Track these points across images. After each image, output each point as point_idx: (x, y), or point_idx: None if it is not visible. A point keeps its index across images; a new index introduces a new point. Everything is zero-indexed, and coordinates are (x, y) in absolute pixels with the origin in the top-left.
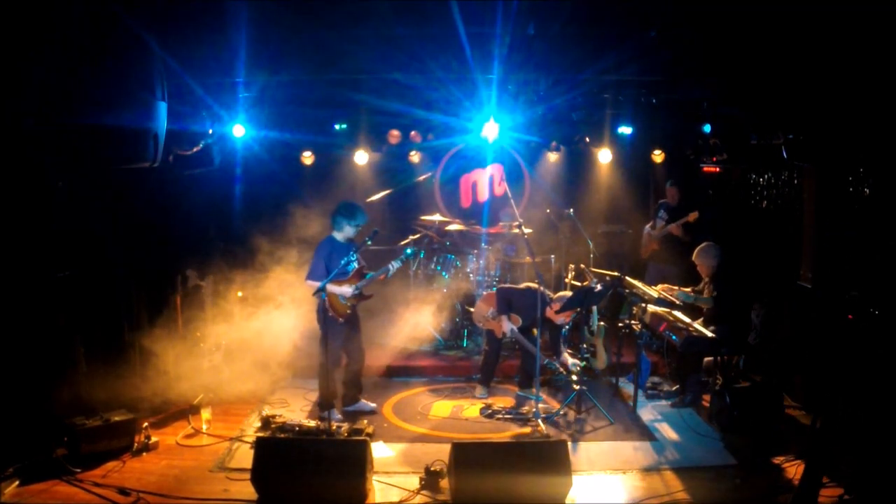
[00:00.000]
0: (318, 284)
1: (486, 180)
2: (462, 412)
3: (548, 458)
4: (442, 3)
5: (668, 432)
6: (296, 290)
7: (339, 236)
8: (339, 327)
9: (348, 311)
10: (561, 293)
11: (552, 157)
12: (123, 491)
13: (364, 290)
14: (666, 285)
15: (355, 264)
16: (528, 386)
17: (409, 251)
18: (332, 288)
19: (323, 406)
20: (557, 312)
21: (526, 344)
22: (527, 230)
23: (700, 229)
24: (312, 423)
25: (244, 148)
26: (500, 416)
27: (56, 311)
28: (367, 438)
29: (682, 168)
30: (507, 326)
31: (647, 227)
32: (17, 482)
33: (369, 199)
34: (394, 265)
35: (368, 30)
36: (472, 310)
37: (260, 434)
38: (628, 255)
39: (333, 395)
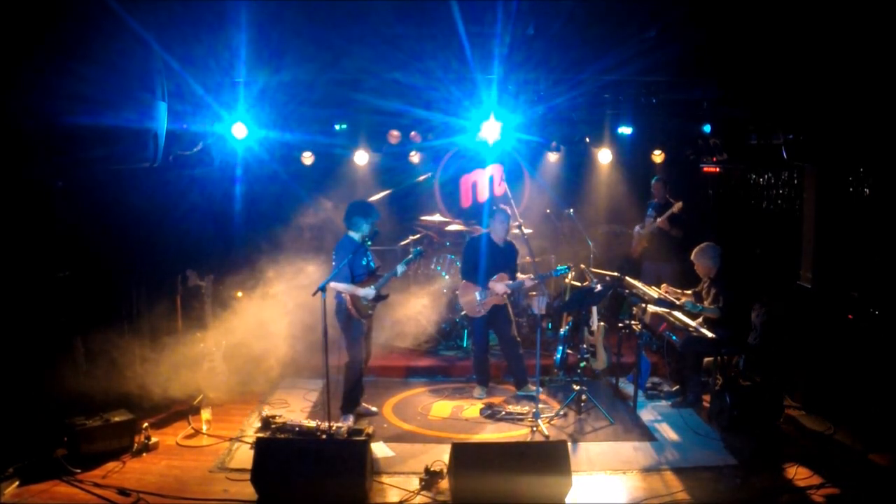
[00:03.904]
0: (343, 286)
1: (486, 180)
2: (462, 412)
3: (548, 458)
4: (442, 3)
5: (668, 432)
6: (295, 289)
7: (355, 236)
8: (361, 326)
9: (370, 312)
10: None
11: (552, 157)
12: (123, 491)
13: (381, 291)
14: (668, 287)
15: (373, 264)
16: (525, 383)
17: (417, 249)
18: (355, 290)
19: (347, 408)
20: (561, 311)
21: (539, 286)
22: (527, 230)
23: (690, 223)
24: (312, 424)
25: (244, 148)
26: (500, 416)
27: (56, 311)
28: (367, 438)
29: (683, 168)
30: (502, 288)
31: (637, 227)
32: (17, 482)
33: (369, 199)
34: (405, 263)
35: (368, 30)
36: (463, 312)
37: (260, 434)
38: (628, 255)
39: (361, 392)
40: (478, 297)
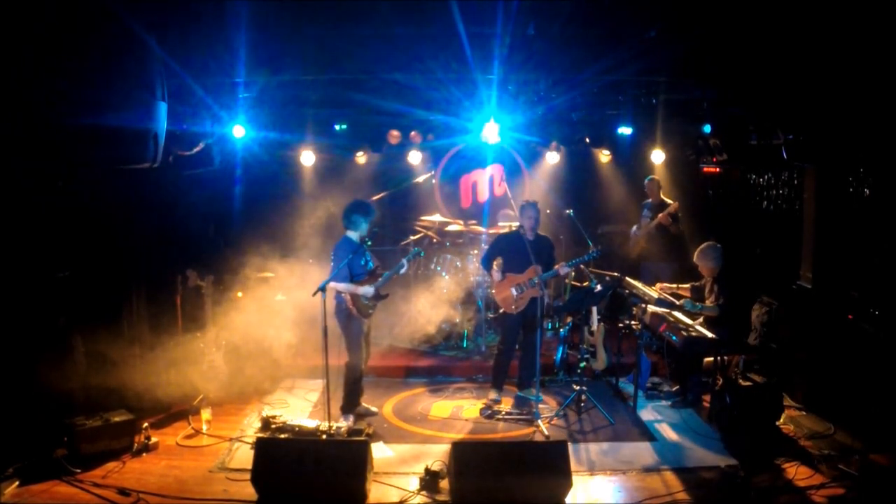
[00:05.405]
0: (343, 286)
1: (486, 180)
2: (462, 412)
3: (548, 458)
4: (442, 3)
5: (668, 432)
6: (295, 289)
7: (354, 236)
8: (361, 326)
9: (371, 311)
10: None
11: (552, 157)
12: (123, 491)
13: (380, 290)
14: (664, 284)
15: (372, 264)
16: (528, 386)
17: (416, 249)
18: (354, 289)
19: (347, 408)
20: (561, 311)
21: (539, 285)
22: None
23: (688, 221)
24: (312, 424)
25: (244, 148)
26: (500, 416)
27: (56, 311)
28: (367, 439)
29: (683, 168)
30: (536, 276)
31: (633, 228)
32: (17, 482)
33: (370, 199)
34: (405, 262)
35: (368, 30)
36: (501, 310)
37: (260, 434)
38: (628, 256)
39: (361, 392)
40: (514, 292)
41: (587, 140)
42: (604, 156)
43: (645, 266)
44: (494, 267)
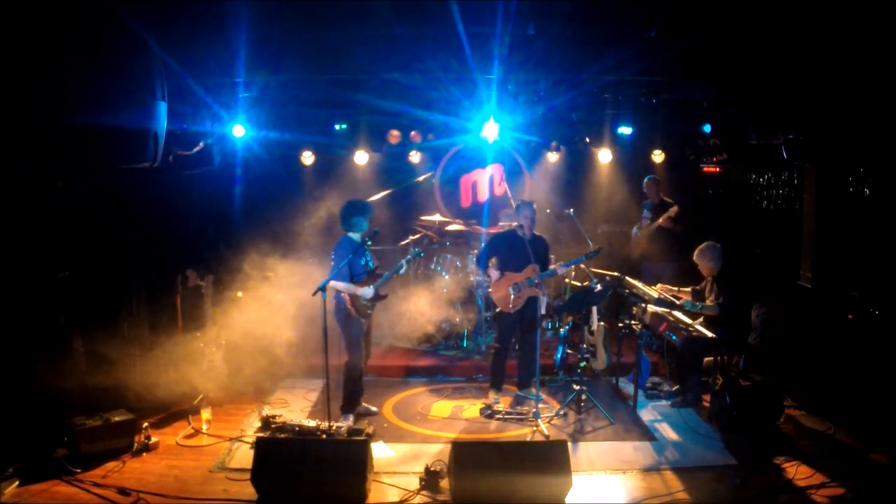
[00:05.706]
0: (343, 286)
1: (486, 180)
2: (462, 412)
3: (548, 458)
4: (442, 3)
5: (668, 432)
6: (295, 289)
7: (355, 236)
8: (360, 326)
9: (369, 312)
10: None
11: (552, 157)
12: (123, 491)
13: (379, 290)
14: (665, 285)
15: (372, 263)
16: (528, 385)
17: (416, 250)
18: (354, 290)
19: (347, 408)
20: (561, 311)
21: (539, 285)
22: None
23: (690, 222)
24: (312, 424)
25: (244, 148)
26: (500, 416)
27: (56, 311)
28: (367, 438)
29: (683, 168)
30: (535, 275)
31: (634, 228)
32: (17, 482)
33: (369, 200)
34: (404, 263)
35: (368, 30)
36: (498, 309)
37: (260, 434)
38: (628, 256)
39: (361, 392)
40: (511, 291)
41: (587, 140)
42: (604, 156)
43: (646, 266)
44: (491, 265)
